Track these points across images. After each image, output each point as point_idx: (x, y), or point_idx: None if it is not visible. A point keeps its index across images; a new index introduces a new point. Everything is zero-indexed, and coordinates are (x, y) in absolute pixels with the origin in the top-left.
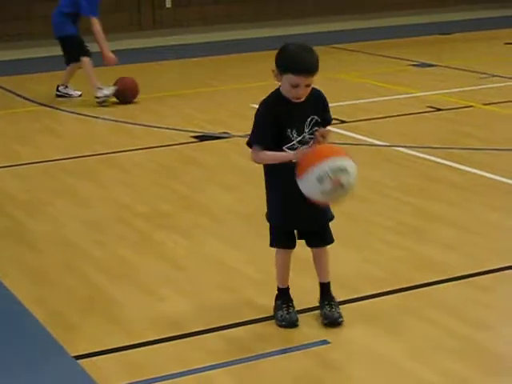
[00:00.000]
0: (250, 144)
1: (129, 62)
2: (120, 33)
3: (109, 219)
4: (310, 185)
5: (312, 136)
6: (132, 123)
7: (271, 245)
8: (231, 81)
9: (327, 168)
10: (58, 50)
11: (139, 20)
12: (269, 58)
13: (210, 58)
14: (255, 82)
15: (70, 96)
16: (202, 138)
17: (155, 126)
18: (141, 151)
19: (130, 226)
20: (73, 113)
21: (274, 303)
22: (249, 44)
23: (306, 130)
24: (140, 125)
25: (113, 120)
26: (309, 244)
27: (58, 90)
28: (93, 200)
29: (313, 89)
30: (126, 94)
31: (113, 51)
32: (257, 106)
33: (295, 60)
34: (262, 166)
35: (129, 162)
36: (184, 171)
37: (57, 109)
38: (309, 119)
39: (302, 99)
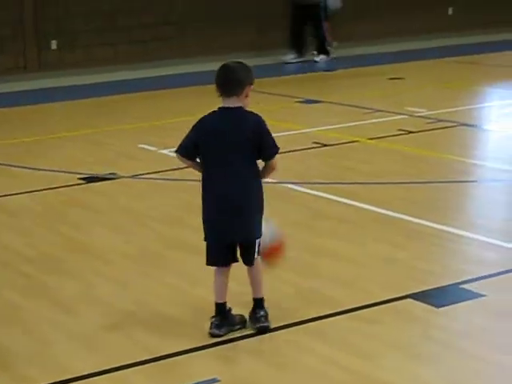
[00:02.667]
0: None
1: (14, 105)
2: (5, 75)
3: None
4: None
5: None
6: (16, 166)
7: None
8: (117, 121)
9: None
10: None
11: (24, 62)
12: (155, 98)
13: (95, 99)
14: (141, 122)
15: None
16: (89, 179)
17: (40, 169)
18: (26, 194)
19: (17, 270)
20: None
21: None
22: (135, 85)
23: None
24: (24, 167)
25: None
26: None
27: None
28: None
29: None
30: None
31: None
32: (145, 146)
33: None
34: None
35: (14, 206)
36: (71, 213)
37: None
38: None
39: None
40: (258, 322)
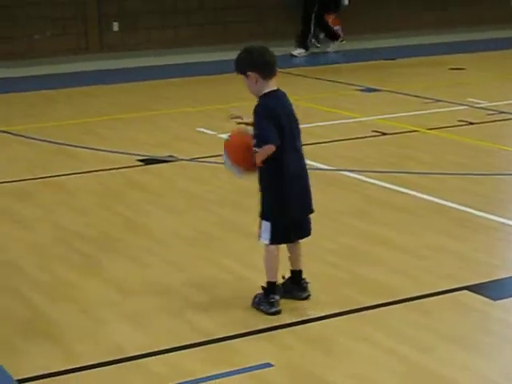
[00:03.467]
0: None
1: (75, 85)
2: (67, 56)
3: (52, 242)
4: None
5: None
6: (76, 146)
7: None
8: (176, 104)
9: None
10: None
11: (86, 43)
12: (214, 83)
13: (155, 81)
14: (200, 106)
15: None
16: (148, 161)
17: (100, 149)
18: (85, 174)
19: (74, 248)
20: (16, 135)
21: None
22: (194, 68)
23: None
24: (84, 147)
25: (56, 143)
26: None
27: None
28: (36, 223)
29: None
30: None
31: (60, 74)
32: (204, 130)
33: None
34: (209, 189)
35: (73, 185)
36: (129, 194)
37: (1, 131)
38: None
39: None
40: (305, 290)
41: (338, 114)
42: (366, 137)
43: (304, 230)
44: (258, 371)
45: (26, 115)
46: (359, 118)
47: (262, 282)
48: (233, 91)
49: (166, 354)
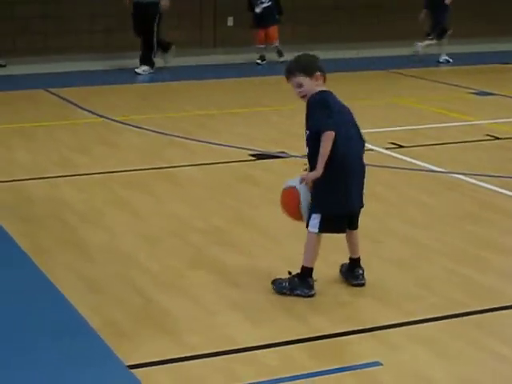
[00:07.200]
0: None
1: (188, 78)
2: (181, 49)
3: (164, 233)
4: None
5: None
6: (189, 138)
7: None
8: (288, 101)
9: None
10: (116, 64)
11: (200, 37)
12: (329, 81)
13: (268, 77)
14: None
15: None
16: (260, 156)
17: (212, 143)
18: (198, 167)
19: (185, 240)
20: (130, 125)
21: None
22: None
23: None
24: (196, 140)
25: (170, 134)
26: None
27: None
28: (148, 213)
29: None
30: None
31: (173, 67)
32: None
33: None
34: None
35: (185, 177)
36: (240, 188)
37: (115, 121)
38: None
39: (304, 101)
40: (357, 279)
41: (450, 117)
42: (479, 140)
43: (354, 223)
44: (367, 369)
45: (138, 106)
46: (472, 121)
47: (372, 276)
48: (340, 88)
49: (278, 348)
